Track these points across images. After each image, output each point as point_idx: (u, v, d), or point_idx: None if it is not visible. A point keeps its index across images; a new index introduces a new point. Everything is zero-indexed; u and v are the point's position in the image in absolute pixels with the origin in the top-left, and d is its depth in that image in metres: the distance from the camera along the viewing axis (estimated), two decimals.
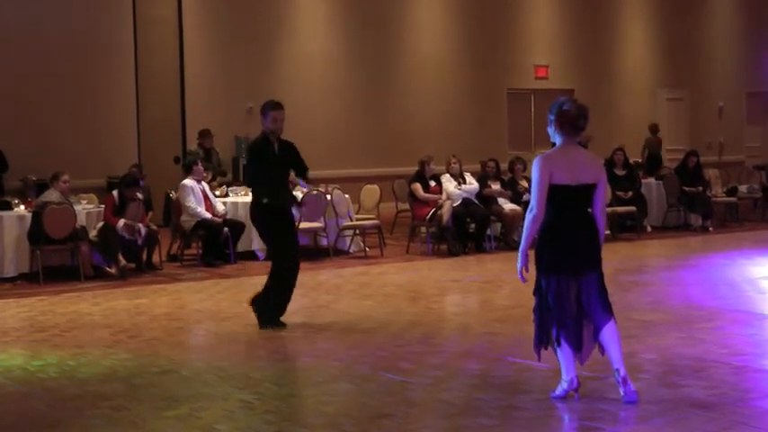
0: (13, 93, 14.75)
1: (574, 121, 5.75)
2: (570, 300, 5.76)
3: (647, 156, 18.10)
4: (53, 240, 11.16)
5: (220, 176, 14.32)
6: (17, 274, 11.37)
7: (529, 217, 5.74)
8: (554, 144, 5.87)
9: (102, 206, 12.00)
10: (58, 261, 11.55)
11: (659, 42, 22.32)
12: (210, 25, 16.71)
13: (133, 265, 11.67)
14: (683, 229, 15.99)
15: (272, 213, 8.16)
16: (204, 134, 14.45)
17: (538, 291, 5.88)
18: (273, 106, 8.29)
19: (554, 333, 5.81)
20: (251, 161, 8.34)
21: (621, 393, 5.75)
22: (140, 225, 11.55)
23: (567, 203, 5.71)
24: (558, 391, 5.92)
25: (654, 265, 12.59)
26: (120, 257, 11.38)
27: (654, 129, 18.52)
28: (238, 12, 16.82)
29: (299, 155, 8.46)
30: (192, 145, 14.82)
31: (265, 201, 8.13)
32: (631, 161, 16.38)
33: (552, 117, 5.81)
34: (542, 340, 5.89)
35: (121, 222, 11.35)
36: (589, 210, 5.80)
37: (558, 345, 5.81)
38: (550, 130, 5.86)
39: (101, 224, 11.67)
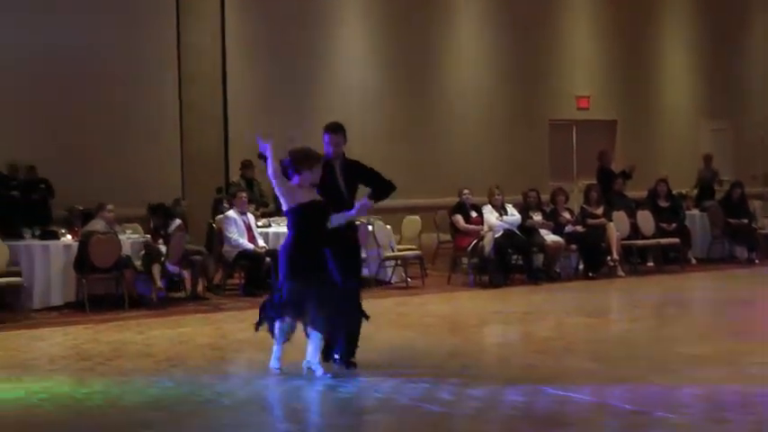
0: (58, 123, 14.96)
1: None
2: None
3: (699, 187, 17.99)
4: (98, 269, 11.29)
5: (262, 207, 14.40)
6: (63, 303, 11.50)
7: None
8: None
9: (148, 236, 12.19)
10: (102, 290, 11.66)
11: (702, 73, 22.18)
12: (253, 55, 16.86)
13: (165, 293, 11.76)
14: (728, 261, 15.82)
15: None
16: (246, 165, 14.56)
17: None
18: None
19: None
20: None
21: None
22: (186, 273, 11.85)
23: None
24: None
25: (699, 297, 12.46)
26: (157, 279, 11.43)
27: (706, 159, 18.47)
28: (280, 41, 16.97)
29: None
30: (235, 175, 14.93)
31: None
32: (674, 192, 16.27)
33: None
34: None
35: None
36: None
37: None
38: None
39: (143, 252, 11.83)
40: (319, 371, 7.37)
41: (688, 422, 6.07)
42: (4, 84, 14.70)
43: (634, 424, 6.01)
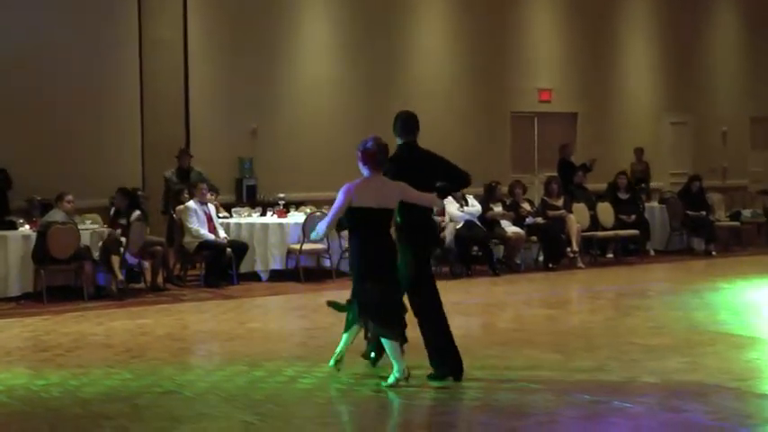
0: (17, 113, 14.79)
1: (374, 157, 6.83)
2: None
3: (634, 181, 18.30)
4: (57, 260, 11.19)
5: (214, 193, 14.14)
6: (21, 294, 11.39)
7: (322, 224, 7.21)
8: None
9: (106, 226, 12.12)
10: (61, 281, 11.57)
11: (663, 66, 22.36)
12: (215, 47, 16.77)
13: (125, 284, 11.67)
14: (686, 253, 16.00)
15: None
16: (181, 155, 14.35)
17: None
18: None
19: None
20: None
21: None
22: (146, 263, 11.82)
23: (370, 223, 6.79)
24: (391, 380, 6.74)
25: (656, 289, 12.58)
26: (118, 272, 11.36)
27: (637, 152, 18.80)
28: (243, 34, 16.89)
29: None
30: (168, 171, 14.39)
31: None
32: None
33: (359, 153, 6.87)
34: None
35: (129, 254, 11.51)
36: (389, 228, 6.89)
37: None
38: (360, 164, 6.89)
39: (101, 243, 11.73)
40: (392, 378, 6.85)
41: (645, 411, 6.14)
42: None
43: (593, 413, 6.07)
